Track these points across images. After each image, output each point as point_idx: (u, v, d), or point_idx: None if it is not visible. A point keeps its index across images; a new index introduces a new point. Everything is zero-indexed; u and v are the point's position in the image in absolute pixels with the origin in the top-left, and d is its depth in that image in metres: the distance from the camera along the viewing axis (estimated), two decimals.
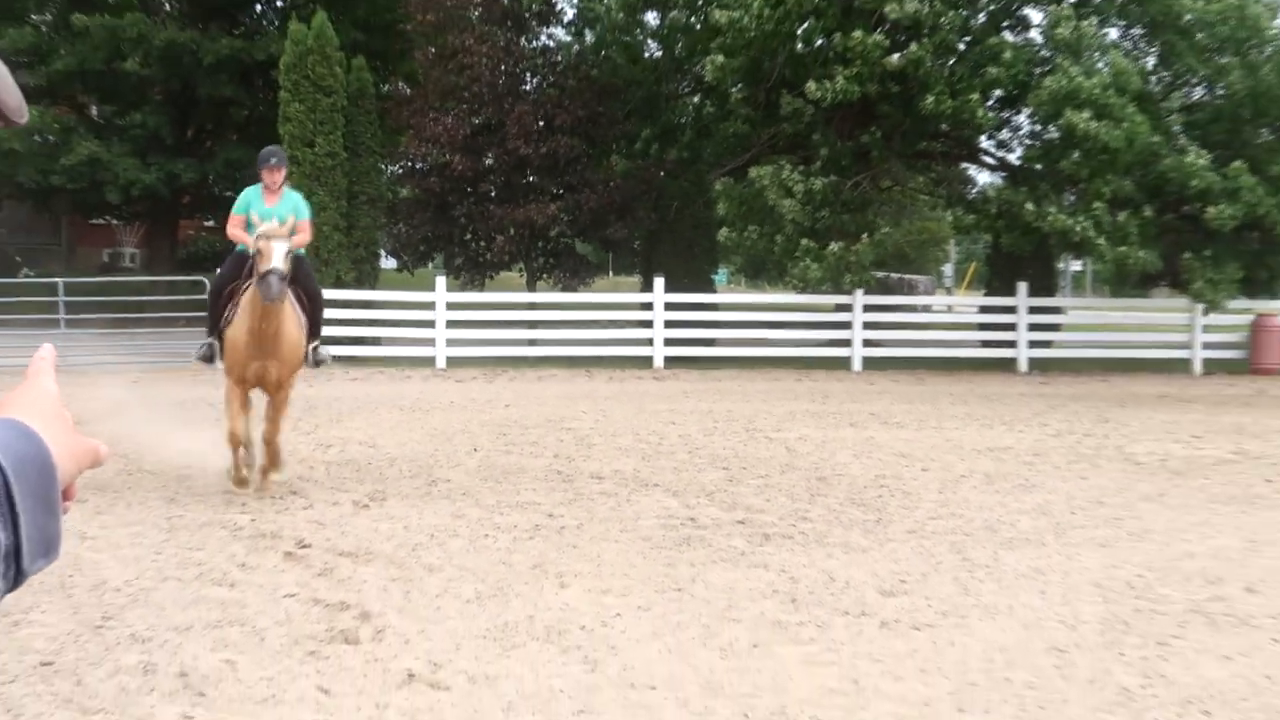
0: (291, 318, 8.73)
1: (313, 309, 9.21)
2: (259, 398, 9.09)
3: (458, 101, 23.21)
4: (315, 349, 9.17)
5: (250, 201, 9.06)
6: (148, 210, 31.46)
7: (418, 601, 6.03)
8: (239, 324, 8.65)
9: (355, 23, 28.35)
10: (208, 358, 9.22)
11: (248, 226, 8.86)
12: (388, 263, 26.91)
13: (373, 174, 22.73)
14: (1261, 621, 5.85)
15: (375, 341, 21.49)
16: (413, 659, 5.12)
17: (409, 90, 27.28)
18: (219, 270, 9.75)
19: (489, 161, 23.35)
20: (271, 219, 8.52)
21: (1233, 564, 7.03)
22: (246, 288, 8.63)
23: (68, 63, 27.74)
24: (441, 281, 21.60)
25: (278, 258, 8.24)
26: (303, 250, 9.06)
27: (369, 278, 22.56)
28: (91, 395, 13.34)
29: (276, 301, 8.30)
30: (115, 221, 36.18)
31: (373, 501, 8.65)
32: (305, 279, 9.20)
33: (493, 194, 23.52)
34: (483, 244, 24.31)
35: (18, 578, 0.96)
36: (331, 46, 21.60)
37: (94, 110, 31.84)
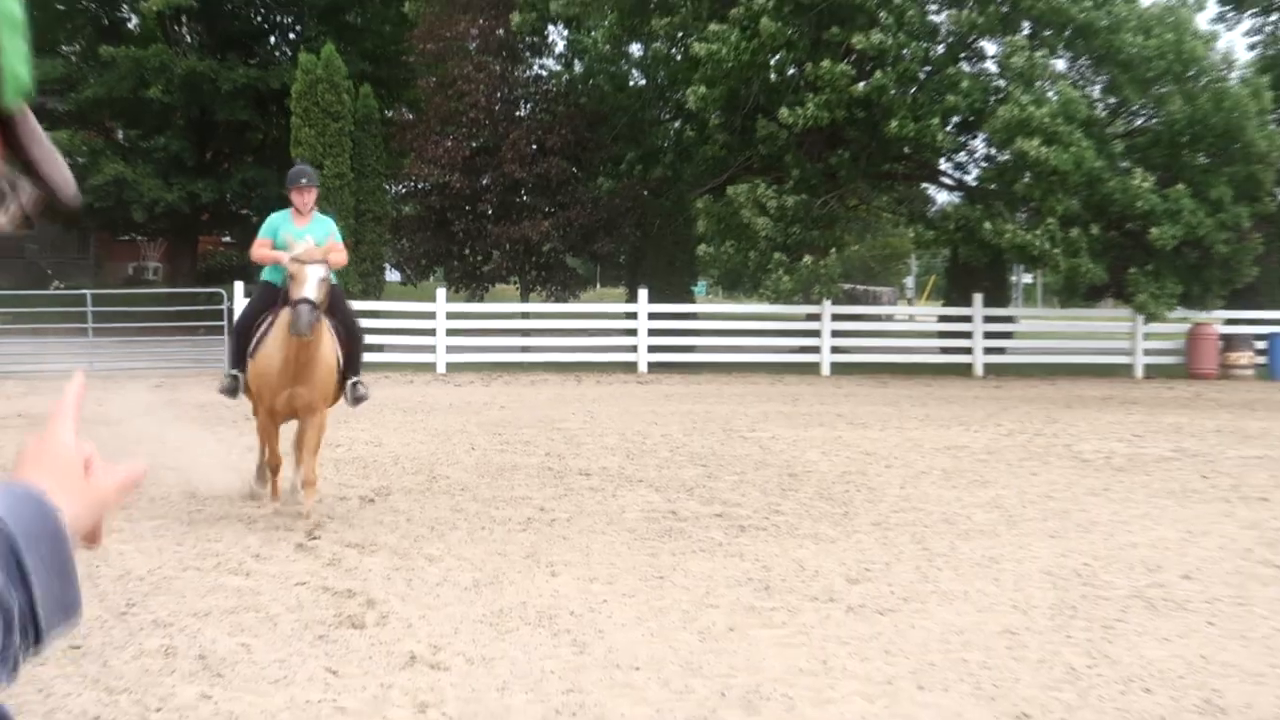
0: (327, 343, 7.61)
1: (351, 345, 7.97)
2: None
3: (457, 126, 23.21)
4: (354, 385, 8.00)
5: (278, 226, 7.91)
6: (170, 227, 31.38)
7: (419, 589, 6.02)
8: (270, 351, 7.54)
9: (362, 53, 28.36)
10: (230, 390, 8.14)
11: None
12: (392, 275, 26.93)
13: (378, 193, 22.71)
14: (1197, 606, 5.87)
15: (380, 348, 21.43)
16: (414, 642, 5.11)
17: (412, 115, 27.31)
18: (247, 302, 8.50)
19: (486, 181, 23.36)
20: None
21: (1171, 553, 7.06)
22: (276, 317, 7.59)
23: (96, 91, 27.68)
24: (441, 293, 21.57)
25: (311, 285, 7.11)
26: (335, 277, 7.75)
27: (374, 289, 22.55)
28: (117, 399, 13.28)
29: (305, 336, 7.16)
30: (140, 237, 36.09)
31: (378, 496, 8.62)
32: (344, 313, 8.04)
33: (489, 212, 23.52)
34: (480, 258, 24.33)
35: (38, 643, 0.91)
36: (340, 75, 21.58)
37: (120, 134, 31.78)
